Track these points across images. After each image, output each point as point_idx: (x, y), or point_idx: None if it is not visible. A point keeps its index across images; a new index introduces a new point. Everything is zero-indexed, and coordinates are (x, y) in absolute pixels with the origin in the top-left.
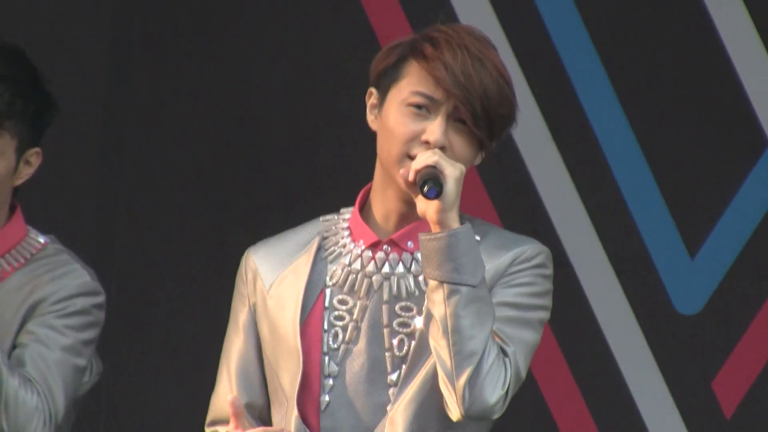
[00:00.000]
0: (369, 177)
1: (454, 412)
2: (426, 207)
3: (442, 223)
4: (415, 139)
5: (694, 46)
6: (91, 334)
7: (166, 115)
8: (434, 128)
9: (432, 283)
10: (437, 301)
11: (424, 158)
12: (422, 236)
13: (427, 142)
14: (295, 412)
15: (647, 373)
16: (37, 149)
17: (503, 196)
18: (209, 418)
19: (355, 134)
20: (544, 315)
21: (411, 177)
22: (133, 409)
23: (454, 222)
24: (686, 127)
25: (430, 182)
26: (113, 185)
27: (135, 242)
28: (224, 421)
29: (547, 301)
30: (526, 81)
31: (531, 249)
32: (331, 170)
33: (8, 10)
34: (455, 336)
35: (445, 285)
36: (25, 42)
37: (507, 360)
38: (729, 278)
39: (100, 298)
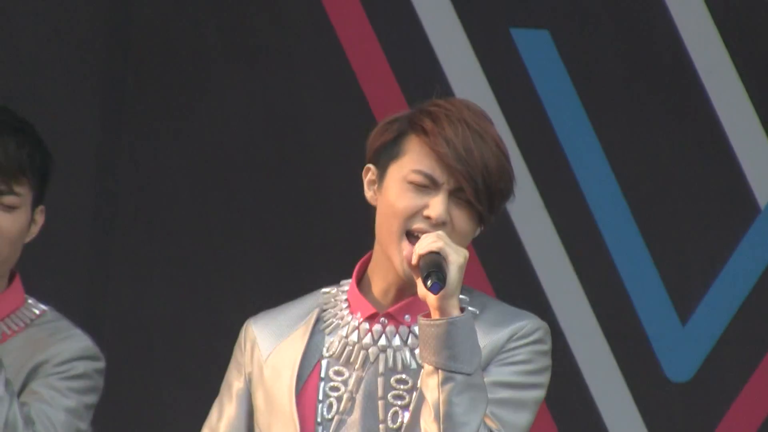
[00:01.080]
0: (367, 247)
1: None
2: (426, 292)
3: (442, 309)
4: (416, 214)
5: (686, 114)
6: (92, 398)
7: (160, 176)
8: (436, 204)
9: (427, 367)
10: (431, 386)
11: (428, 243)
12: (422, 321)
13: (428, 218)
14: None
15: None
16: (42, 207)
17: (496, 265)
18: None
19: (353, 205)
20: (540, 394)
21: (414, 261)
22: None
23: (454, 309)
24: (678, 195)
25: (434, 276)
26: (104, 253)
27: (126, 310)
28: None
29: (544, 379)
30: (520, 151)
31: (529, 325)
32: (329, 240)
33: None
34: (447, 423)
35: (440, 371)
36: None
37: None
38: (720, 345)
39: (101, 364)
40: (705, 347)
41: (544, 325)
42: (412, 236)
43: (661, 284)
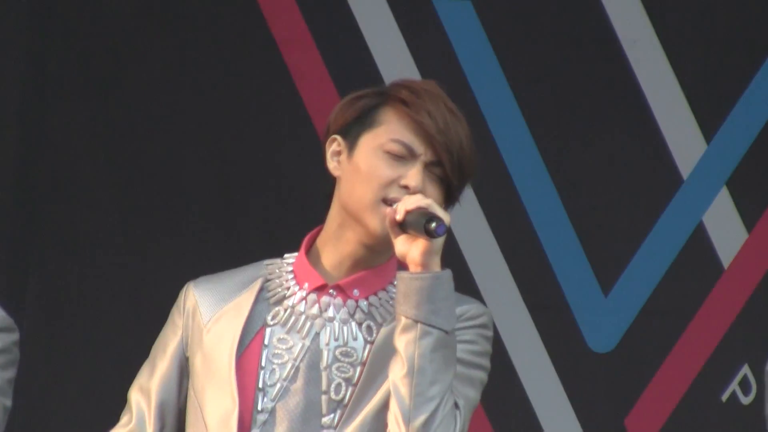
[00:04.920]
0: (302, 224)
1: None
2: (409, 248)
3: (426, 265)
4: (392, 183)
5: (610, 84)
6: (12, 373)
7: (85, 142)
8: (414, 174)
9: (405, 321)
10: (407, 341)
11: (415, 200)
12: (404, 274)
13: (406, 187)
14: None
15: (561, 411)
16: None
17: None
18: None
19: (291, 181)
20: (484, 376)
21: (400, 216)
22: None
23: (437, 266)
24: (601, 165)
25: (437, 220)
26: (27, 225)
27: (49, 279)
28: None
29: (487, 363)
30: None
31: (474, 309)
32: (260, 217)
33: None
34: (420, 377)
35: (419, 325)
36: None
37: (458, 413)
38: (642, 316)
39: (17, 335)
40: (627, 318)
41: (488, 311)
42: (388, 204)
43: (583, 254)
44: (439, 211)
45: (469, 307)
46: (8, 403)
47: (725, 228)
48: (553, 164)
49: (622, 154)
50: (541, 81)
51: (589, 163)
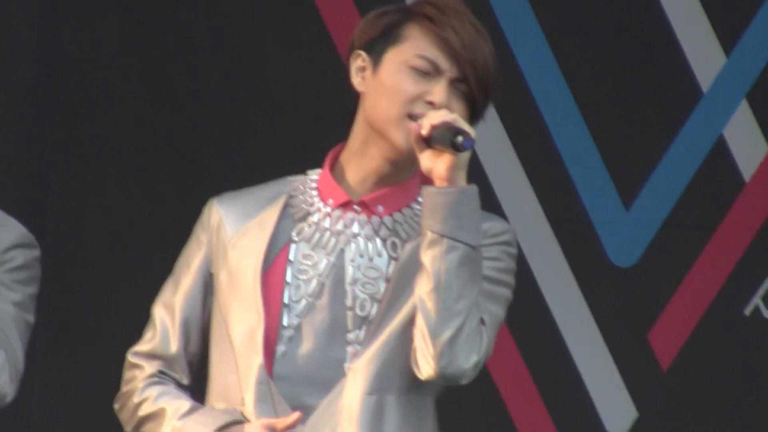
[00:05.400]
0: (322, 144)
1: (426, 369)
2: (434, 163)
3: (452, 179)
4: (417, 99)
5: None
6: (34, 288)
7: (104, 72)
8: (439, 90)
9: (431, 236)
10: (433, 255)
11: (441, 114)
12: (430, 189)
13: (431, 103)
14: (259, 360)
15: (583, 326)
16: None
17: None
18: (145, 348)
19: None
20: (509, 293)
21: (426, 131)
22: (68, 375)
23: (463, 180)
24: (621, 79)
25: (464, 133)
26: (46, 153)
27: (68, 210)
28: (163, 358)
29: (512, 280)
30: None
31: (499, 226)
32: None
33: None
34: (446, 292)
35: (445, 240)
36: None
37: (484, 329)
38: (664, 230)
39: (38, 251)
40: (649, 232)
41: (512, 228)
42: (411, 120)
43: (604, 169)
44: (465, 126)
45: (493, 224)
46: (31, 318)
47: (746, 141)
48: (573, 79)
49: (642, 68)
50: None
51: (610, 77)
